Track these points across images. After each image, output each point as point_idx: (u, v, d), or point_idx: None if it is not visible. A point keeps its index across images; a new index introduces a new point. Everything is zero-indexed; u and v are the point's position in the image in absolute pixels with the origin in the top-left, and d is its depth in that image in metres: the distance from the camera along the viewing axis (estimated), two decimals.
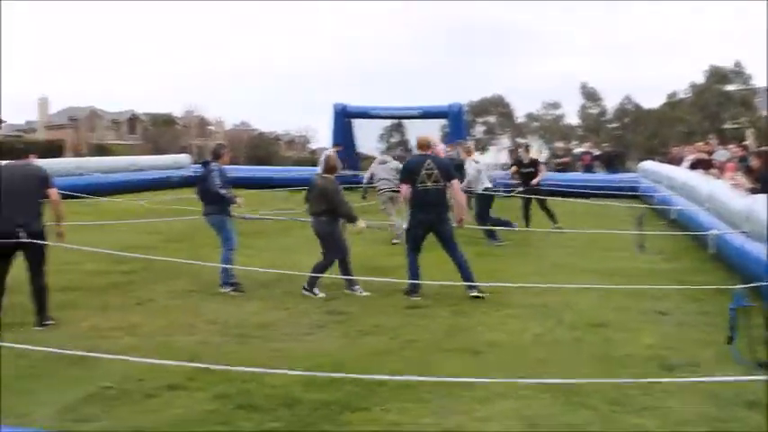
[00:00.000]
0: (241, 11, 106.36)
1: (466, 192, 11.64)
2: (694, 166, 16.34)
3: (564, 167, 24.81)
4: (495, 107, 51.91)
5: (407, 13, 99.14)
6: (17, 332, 6.76)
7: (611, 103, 49.43)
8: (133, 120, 65.55)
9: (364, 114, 26.71)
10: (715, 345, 6.38)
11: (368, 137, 28.41)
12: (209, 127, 61.38)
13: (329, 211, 8.74)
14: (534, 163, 15.16)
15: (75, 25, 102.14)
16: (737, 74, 43.87)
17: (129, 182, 23.13)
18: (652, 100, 62.46)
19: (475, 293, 8.39)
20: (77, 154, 38.86)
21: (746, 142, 17.81)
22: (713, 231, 10.22)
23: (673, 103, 46.02)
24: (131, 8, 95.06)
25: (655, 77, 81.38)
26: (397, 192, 12.56)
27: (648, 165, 22.38)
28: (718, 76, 44.03)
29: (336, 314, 7.71)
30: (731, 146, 18.41)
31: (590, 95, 49.74)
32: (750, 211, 8.87)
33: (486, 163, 14.18)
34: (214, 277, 8.92)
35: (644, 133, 45.87)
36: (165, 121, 58.90)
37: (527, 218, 14.39)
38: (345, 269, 8.84)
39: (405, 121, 32.13)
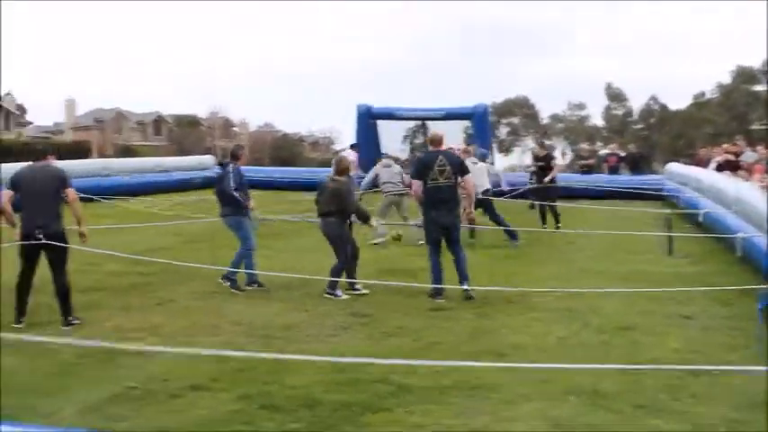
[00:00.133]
0: (264, 12, 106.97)
1: None
2: (721, 167, 16.14)
3: (589, 169, 24.60)
4: (520, 108, 51.71)
5: (411, 13, 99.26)
6: (43, 331, 6.79)
7: (636, 103, 49.06)
8: (158, 121, 66.00)
9: (389, 116, 26.57)
10: (741, 348, 6.30)
11: (392, 138, 28.32)
12: (234, 128, 61.64)
13: (338, 212, 8.74)
14: (547, 157, 15.07)
15: (102, 28, 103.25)
16: (766, 73, 43.29)
17: (153, 183, 23.25)
18: (678, 100, 61.92)
19: (466, 286, 8.38)
20: (103, 155, 39.14)
21: None
22: (740, 234, 10.07)
23: (699, 104, 45.60)
24: (158, 9, 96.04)
25: (681, 77, 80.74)
26: (403, 195, 12.51)
27: (675, 167, 22.12)
28: (745, 75, 43.54)
29: (360, 316, 7.70)
30: (759, 147, 18.18)
31: (615, 96, 49.39)
32: None
33: (488, 165, 13.93)
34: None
35: (670, 134, 45.49)
36: (190, 123, 59.28)
37: (543, 217, 14.30)
38: (349, 271, 8.85)
39: (428, 123, 32.04)
